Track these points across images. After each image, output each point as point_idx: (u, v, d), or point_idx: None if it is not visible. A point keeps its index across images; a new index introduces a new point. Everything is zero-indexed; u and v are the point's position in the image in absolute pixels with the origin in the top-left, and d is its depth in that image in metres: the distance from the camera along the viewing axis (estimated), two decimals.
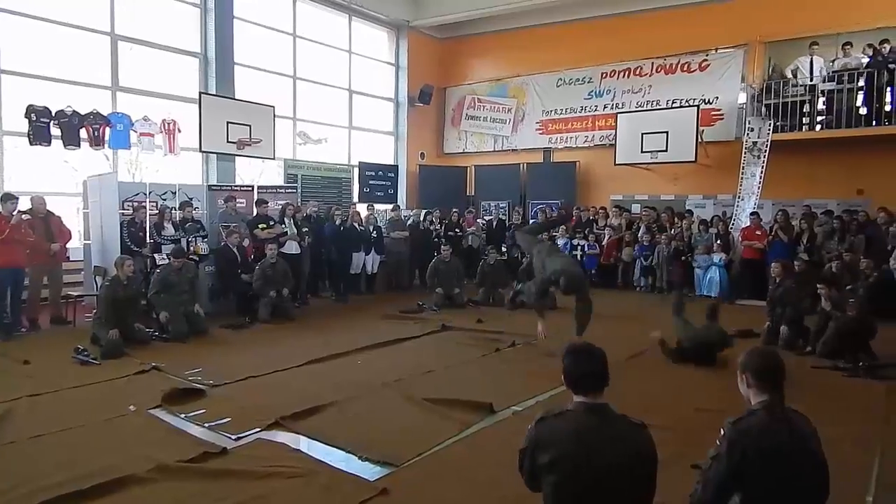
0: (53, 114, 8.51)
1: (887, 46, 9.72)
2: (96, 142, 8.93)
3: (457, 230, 11.57)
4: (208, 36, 10.66)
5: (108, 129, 9.04)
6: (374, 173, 13.01)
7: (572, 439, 2.03)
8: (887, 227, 8.82)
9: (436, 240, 10.89)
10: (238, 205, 8.91)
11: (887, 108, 9.81)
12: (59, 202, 8.52)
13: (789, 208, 10.05)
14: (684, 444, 3.71)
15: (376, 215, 10.78)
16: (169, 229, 8.04)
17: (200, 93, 9.99)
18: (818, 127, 10.73)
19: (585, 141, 13.30)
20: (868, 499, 3.14)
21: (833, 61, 10.46)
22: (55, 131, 8.56)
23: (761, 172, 10.40)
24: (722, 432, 2.25)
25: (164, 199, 8.41)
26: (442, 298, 8.94)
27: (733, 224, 10.55)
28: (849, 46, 10.32)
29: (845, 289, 7.30)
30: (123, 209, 7.91)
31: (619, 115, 12.27)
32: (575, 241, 11.37)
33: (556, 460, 2.02)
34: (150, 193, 8.29)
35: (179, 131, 9.76)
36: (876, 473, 3.44)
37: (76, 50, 9.23)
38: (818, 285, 6.66)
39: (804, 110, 10.67)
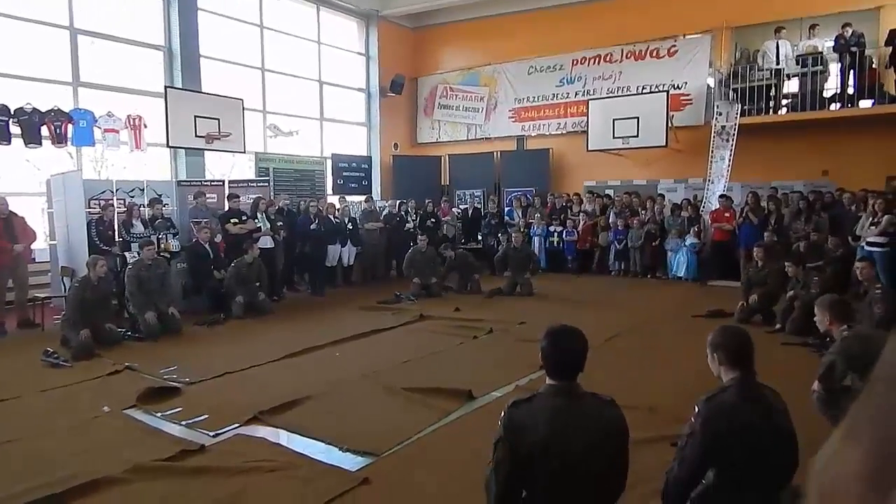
0: (12, 111, 8.25)
1: (849, 30, 9.92)
2: (58, 139, 8.69)
3: (432, 220, 11.56)
4: (172, 28, 10.41)
5: (70, 126, 8.80)
6: (347, 165, 12.91)
7: (544, 421, 2.05)
8: (850, 207, 9.05)
9: (411, 230, 10.87)
10: (209, 200, 8.76)
11: (850, 90, 10.04)
12: (22, 202, 8.28)
13: (758, 190, 10.25)
14: (662, 424, 3.79)
15: (350, 207, 10.72)
16: (138, 227, 7.87)
17: (166, 87, 9.77)
18: (783, 110, 10.95)
19: (558, 128, 13.37)
20: None
21: (797, 44, 10.66)
22: (15, 129, 8.32)
23: (730, 156, 10.57)
24: (696, 409, 2.30)
25: (132, 197, 8.23)
26: (419, 289, 8.94)
27: (703, 207, 10.73)
28: (816, 27, 10.52)
29: (813, 267, 7.50)
30: (90, 208, 7.72)
31: (590, 101, 12.36)
32: (551, 228, 11.46)
33: (531, 443, 2.04)
34: (116, 191, 8.10)
35: (145, 126, 9.54)
36: None
37: (34, 45, 8.94)
38: (786, 263, 6.83)
39: (770, 94, 10.87)
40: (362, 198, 11.64)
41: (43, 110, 8.52)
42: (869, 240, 8.02)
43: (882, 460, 0.41)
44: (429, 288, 9.02)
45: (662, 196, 11.21)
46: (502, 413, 2.14)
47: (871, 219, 8.10)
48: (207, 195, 8.76)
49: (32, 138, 8.46)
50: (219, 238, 8.39)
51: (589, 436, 2.05)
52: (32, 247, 7.64)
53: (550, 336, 2.17)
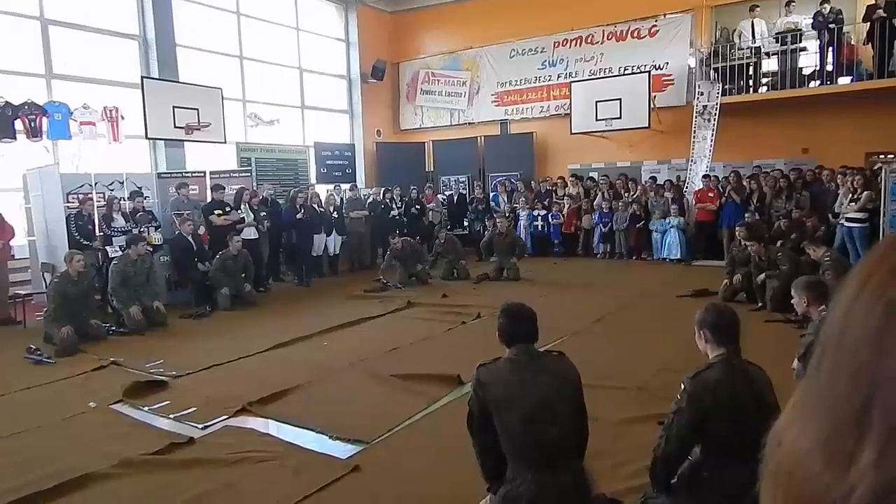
0: None
1: (827, 7, 9.96)
2: (33, 133, 8.49)
3: (417, 207, 11.52)
4: (146, 17, 10.19)
5: (45, 120, 8.61)
6: (330, 153, 12.77)
7: (510, 373, 2.37)
8: (830, 184, 9.16)
9: (396, 218, 10.84)
10: (191, 192, 8.66)
11: (829, 67, 10.10)
12: None
13: (740, 169, 10.33)
14: (649, 402, 3.84)
15: (339, 195, 10.66)
16: (119, 221, 7.76)
17: (142, 77, 9.58)
18: (763, 88, 11.00)
19: (541, 111, 13.33)
20: None
21: (775, 22, 10.70)
22: None
23: (712, 135, 10.62)
24: (682, 387, 2.32)
25: (112, 190, 8.10)
26: (406, 276, 8.91)
27: (687, 187, 10.79)
28: (793, 4, 10.56)
29: (799, 245, 7.58)
30: (68, 202, 7.59)
31: (572, 84, 12.33)
32: (535, 213, 11.48)
33: (500, 392, 2.33)
34: (95, 184, 7.97)
35: (123, 118, 9.35)
36: None
37: (3, 36, 8.71)
38: (747, 242, 6.90)
39: (750, 73, 10.91)
40: (346, 186, 11.55)
41: (16, 103, 8.33)
42: (848, 216, 8.13)
43: (836, 435, 0.39)
44: (416, 274, 9.01)
45: (654, 178, 11.21)
46: (473, 373, 2.46)
47: (850, 195, 8.21)
48: (189, 187, 8.66)
49: (6, 132, 8.26)
50: (202, 230, 8.30)
51: (550, 382, 2.36)
52: (11, 243, 7.51)
53: (505, 313, 2.48)
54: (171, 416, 4.06)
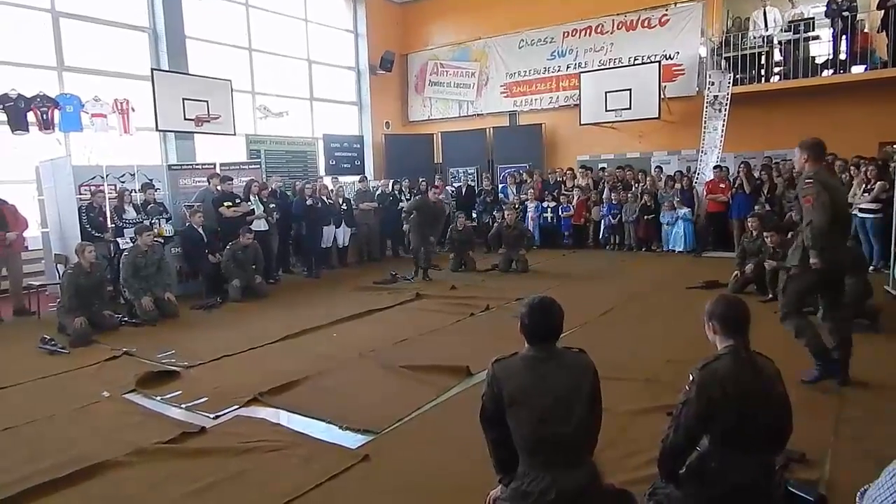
0: None
1: None
2: (45, 125, 8.59)
3: None
4: (156, 9, 10.23)
5: (57, 112, 8.69)
6: (339, 145, 12.80)
7: (526, 370, 2.32)
8: (843, 174, 9.04)
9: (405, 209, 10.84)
10: (197, 182, 8.72)
11: (842, 56, 9.97)
12: (12, 190, 8.19)
13: (751, 160, 10.23)
14: (658, 393, 3.85)
15: (343, 187, 10.67)
16: (130, 212, 7.82)
17: (152, 69, 9.63)
18: (775, 78, 10.88)
19: (550, 102, 13.27)
20: (829, 437, 3.28)
21: (787, 11, 10.57)
22: (0, 116, 8.19)
23: (723, 126, 10.53)
24: (691, 378, 2.32)
25: (123, 182, 8.16)
26: (423, 271, 8.86)
27: (697, 178, 10.71)
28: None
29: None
30: (80, 194, 7.66)
31: (582, 74, 12.25)
32: (545, 204, 11.44)
33: (514, 389, 2.29)
34: (107, 176, 8.02)
35: (133, 110, 9.42)
36: (837, 410, 3.60)
37: (15, 29, 8.78)
38: (765, 233, 6.83)
39: (761, 62, 10.79)
40: (355, 178, 11.56)
41: (28, 96, 8.40)
42: (861, 206, 8.04)
43: None
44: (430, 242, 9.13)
45: (661, 168, 11.15)
46: (487, 369, 2.42)
47: (863, 186, 8.11)
48: (195, 179, 8.72)
49: (19, 125, 8.35)
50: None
51: (565, 380, 2.29)
52: (25, 234, 7.59)
53: (529, 308, 2.39)
54: (183, 405, 4.11)
